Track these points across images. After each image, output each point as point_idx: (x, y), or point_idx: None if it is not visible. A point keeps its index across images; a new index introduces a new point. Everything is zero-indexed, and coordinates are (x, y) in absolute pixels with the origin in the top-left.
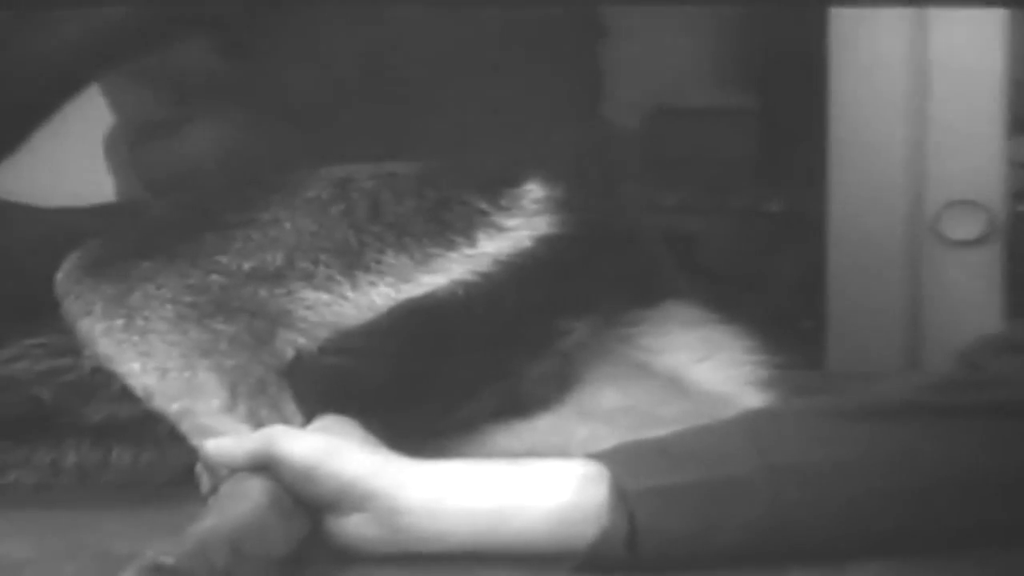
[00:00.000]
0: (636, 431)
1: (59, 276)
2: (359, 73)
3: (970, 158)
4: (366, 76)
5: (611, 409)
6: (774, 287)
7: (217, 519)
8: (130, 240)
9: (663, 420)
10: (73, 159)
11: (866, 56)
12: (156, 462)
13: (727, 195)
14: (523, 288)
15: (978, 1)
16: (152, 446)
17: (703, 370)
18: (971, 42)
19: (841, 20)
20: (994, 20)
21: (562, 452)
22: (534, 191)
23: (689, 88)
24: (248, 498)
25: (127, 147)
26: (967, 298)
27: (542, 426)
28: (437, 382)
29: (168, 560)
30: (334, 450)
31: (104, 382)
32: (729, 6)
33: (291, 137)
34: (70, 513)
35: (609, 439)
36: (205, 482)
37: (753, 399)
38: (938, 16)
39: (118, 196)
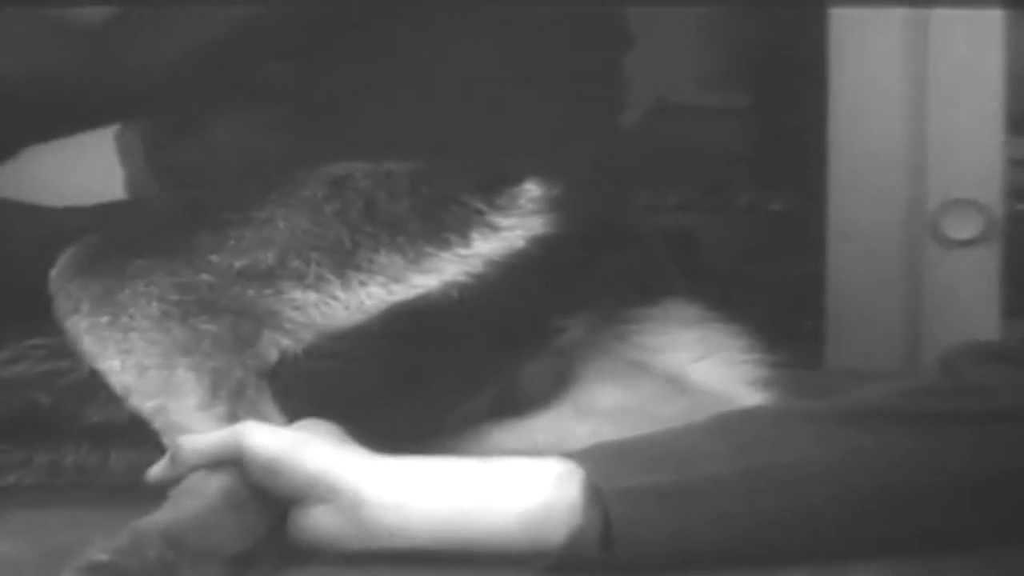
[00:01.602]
0: (635, 430)
1: (53, 273)
2: (384, 75)
3: (969, 157)
4: (391, 79)
5: (610, 408)
6: (773, 286)
7: (160, 513)
8: (125, 237)
9: (662, 419)
10: (79, 158)
11: (865, 55)
12: (155, 463)
13: (727, 195)
14: (517, 287)
15: (978, 1)
16: (151, 448)
17: (702, 369)
18: (970, 42)
19: (840, 19)
20: (993, 20)
21: (560, 451)
22: (532, 190)
23: (689, 86)
24: (200, 494)
25: (143, 143)
26: (966, 297)
27: (540, 425)
28: (431, 383)
29: (102, 557)
30: (299, 444)
31: (103, 383)
32: (729, 6)
33: (313, 137)
34: (70, 513)
35: (608, 438)
36: (160, 471)
37: (752, 398)
38: (937, 16)
39: (129, 190)
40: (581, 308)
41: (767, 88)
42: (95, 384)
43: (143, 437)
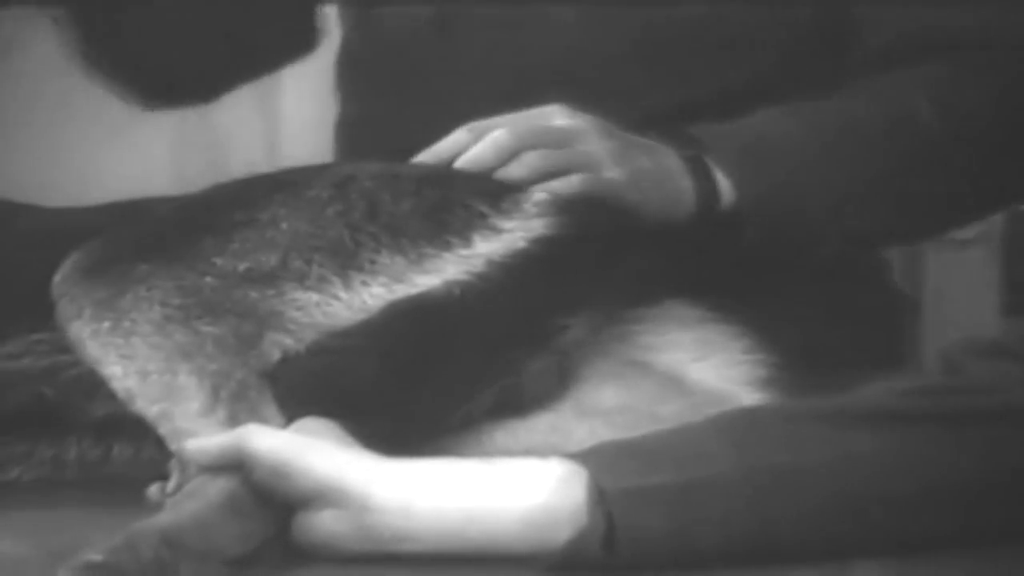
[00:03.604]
0: (635, 430)
1: (56, 279)
2: None
3: None
4: None
5: (610, 408)
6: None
7: (159, 515)
8: (128, 242)
9: (662, 419)
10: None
11: None
12: (157, 458)
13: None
14: (519, 286)
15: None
16: (154, 442)
17: (702, 369)
18: None
19: None
20: None
21: (560, 451)
22: (537, 195)
23: None
24: (202, 496)
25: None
26: (966, 297)
27: (540, 425)
28: (432, 381)
29: (96, 557)
30: (305, 447)
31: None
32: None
33: None
34: (70, 513)
35: (607, 438)
36: (172, 481)
37: (752, 398)
38: None
39: (342, 121)
40: (582, 307)
41: None
42: (98, 379)
43: (146, 432)
